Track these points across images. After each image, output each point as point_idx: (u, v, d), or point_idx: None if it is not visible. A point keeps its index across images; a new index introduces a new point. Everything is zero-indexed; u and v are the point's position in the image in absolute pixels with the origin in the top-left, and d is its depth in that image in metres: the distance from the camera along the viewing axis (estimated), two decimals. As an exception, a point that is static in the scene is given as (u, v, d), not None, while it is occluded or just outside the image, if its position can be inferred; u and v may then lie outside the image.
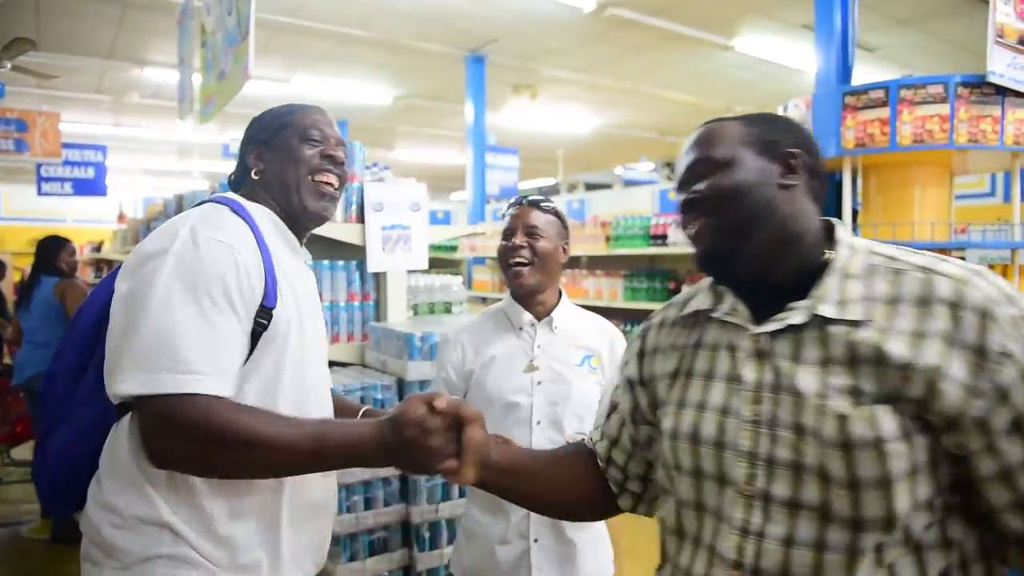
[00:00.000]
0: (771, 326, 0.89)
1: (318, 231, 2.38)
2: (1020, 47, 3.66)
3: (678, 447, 0.95)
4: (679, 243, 4.85)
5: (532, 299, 1.69)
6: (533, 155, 12.38)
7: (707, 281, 1.03)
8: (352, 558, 2.15)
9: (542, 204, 1.72)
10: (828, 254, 0.91)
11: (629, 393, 1.10)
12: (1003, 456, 0.78)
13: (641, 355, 1.09)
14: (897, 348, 0.80)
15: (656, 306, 5.15)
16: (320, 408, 1.30)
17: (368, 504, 2.17)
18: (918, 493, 0.80)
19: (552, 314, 1.70)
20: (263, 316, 1.16)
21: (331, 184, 1.34)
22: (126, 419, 1.14)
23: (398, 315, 2.63)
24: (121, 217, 14.52)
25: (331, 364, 2.52)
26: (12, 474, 5.13)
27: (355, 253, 2.56)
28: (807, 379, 0.84)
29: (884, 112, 3.65)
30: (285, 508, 1.21)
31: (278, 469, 1.12)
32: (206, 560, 1.12)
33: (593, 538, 1.66)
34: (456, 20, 6.82)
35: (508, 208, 1.75)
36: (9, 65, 5.67)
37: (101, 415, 1.21)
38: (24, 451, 5.45)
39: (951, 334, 0.79)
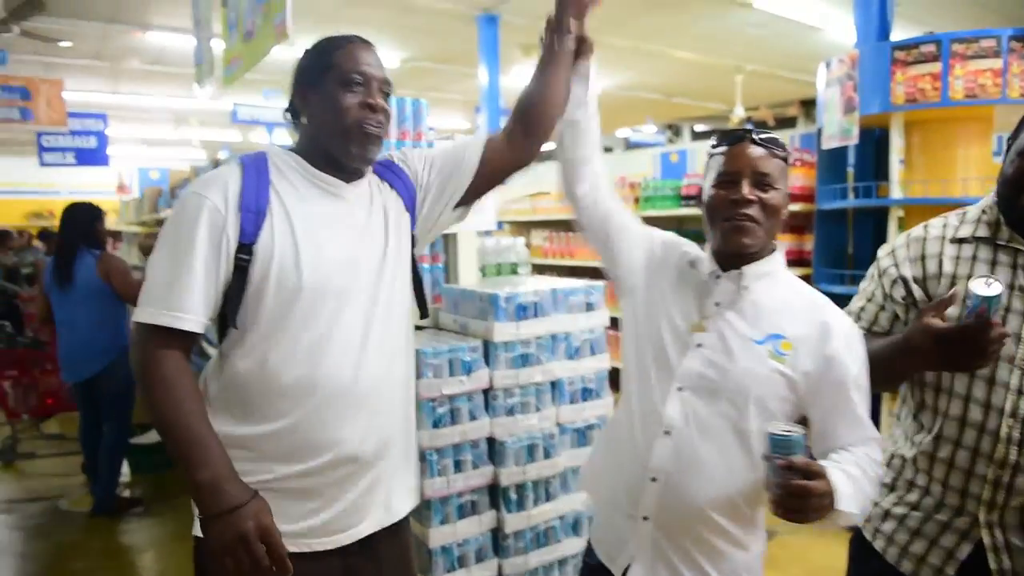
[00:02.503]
0: None
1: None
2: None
3: None
4: (711, 204, 4.80)
5: (740, 260, 1.36)
6: (538, 119, 12.23)
7: (974, 214, 1.43)
8: (443, 521, 2.14)
9: (772, 142, 1.35)
10: None
11: (903, 288, 1.43)
12: None
13: (922, 258, 1.42)
14: None
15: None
16: (344, 358, 1.32)
17: (458, 467, 2.15)
18: None
19: (743, 268, 1.35)
20: (243, 252, 1.27)
21: (373, 128, 1.36)
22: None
23: (469, 277, 2.59)
24: (121, 187, 14.35)
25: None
26: (44, 447, 5.10)
27: (425, 214, 2.50)
28: None
29: (935, 67, 3.59)
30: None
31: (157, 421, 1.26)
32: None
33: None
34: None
35: (721, 143, 1.39)
36: (18, 30, 5.50)
37: None
38: (54, 425, 5.42)
39: None
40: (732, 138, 1.37)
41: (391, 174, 1.51)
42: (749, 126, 1.44)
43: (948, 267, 1.40)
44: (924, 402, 1.44)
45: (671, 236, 1.55)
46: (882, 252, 1.55)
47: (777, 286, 1.38)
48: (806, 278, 4.17)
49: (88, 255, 3.82)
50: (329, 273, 1.31)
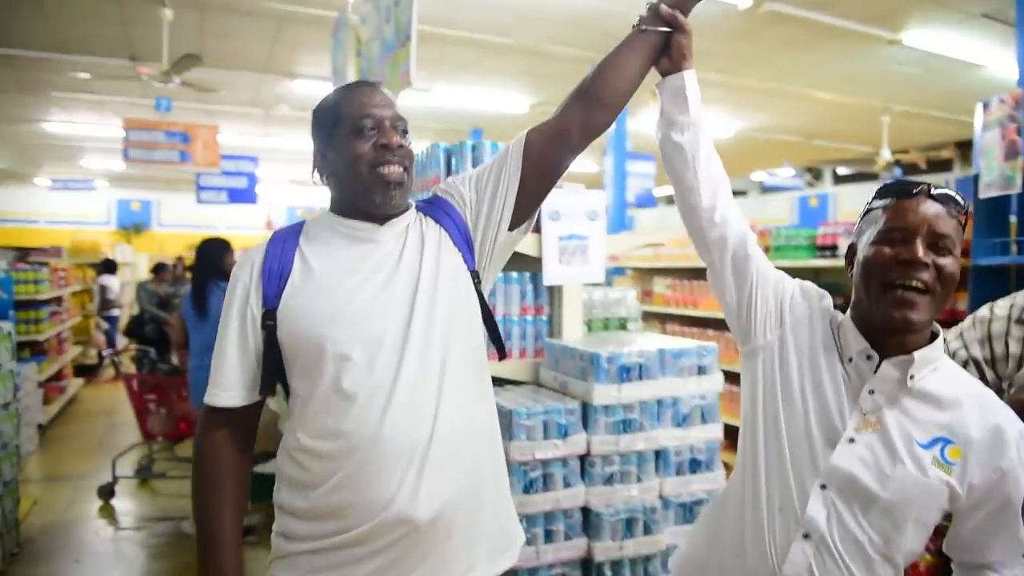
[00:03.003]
0: None
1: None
2: None
3: None
4: (850, 254, 4.44)
5: (898, 338, 1.16)
6: (667, 161, 12.00)
7: None
8: (531, 594, 2.00)
9: (952, 200, 1.16)
10: None
11: (976, 370, 1.36)
12: None
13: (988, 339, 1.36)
14: None
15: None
16: (369, 408, 1.21)
17: (548, 537, 2.01)
18: None
19: (914, 354, 1.13)
20: (269, 318, 1.28)
21: (393, 172, 1.30)
22: None
23: (573, 331, 2.47)
24: (269, 224, 15.40)
25: (504, 382, 2.41)
26: (176, 468, 5.38)
27: (529, 264, 2.42)
28: None
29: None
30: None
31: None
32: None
33: None
34: (601, 22, 6.63)
35: (888, 195, 1.19)
36: (178, 81, 6.01)
37: None
38: (187, 448, 5.74)
39: None
40: (903, 191, 1.17)
41: (435, 209, 1.40)
42: (920, 180, 1.19)
43: (1014, 348, 1.37)
44: None
45: (809, 285, 1.32)
46: (950, 335, 1.47)
47: (943, 378, 1.17)
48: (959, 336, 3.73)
49: (218, 287, 4.04)
50: (353, 321, 1.24)
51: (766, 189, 15.86)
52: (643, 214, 16.33)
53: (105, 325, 10.34)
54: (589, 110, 1.37)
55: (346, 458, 1.21)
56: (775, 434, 1.21)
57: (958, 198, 1.17)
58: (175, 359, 6.54)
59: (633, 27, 1.41)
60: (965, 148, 11.64)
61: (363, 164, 1.28)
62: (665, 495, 2.13)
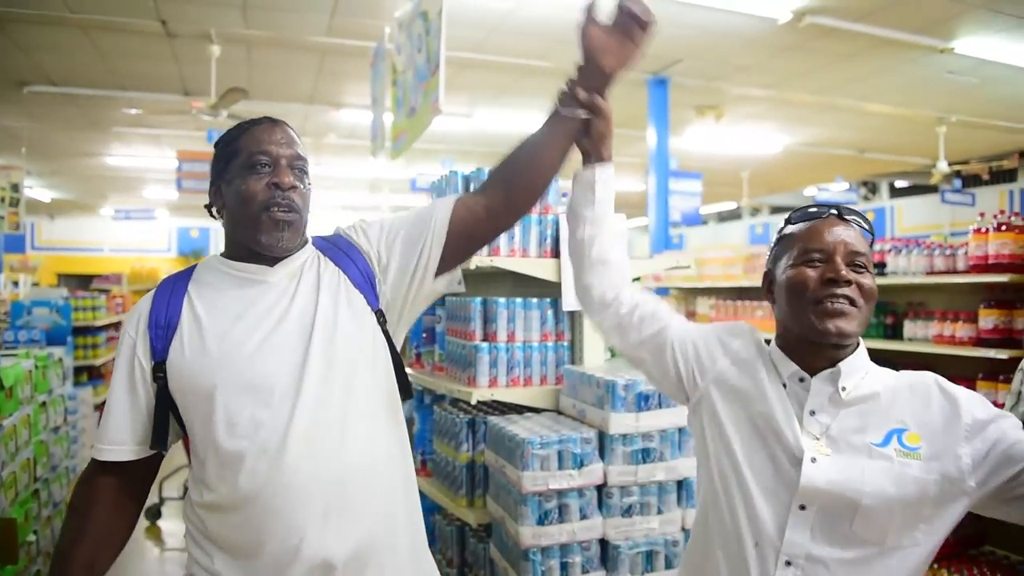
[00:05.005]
0: None
1: (510, 268, 2.24)
2: None
3: None
4: (899, 272, 4.27)
5: (830, 353, 1.19)
6: (716, 178, 11.82)
7: None
8: (548, 631, 1.94)
9: (858, 220, 1.23)
10: None
11: None
12: None
13: None
14: None
15: (872, 343, 4.48)
16: (261, 456, 1.19)
17: (564, 570, 1.96)
18: None
19: (839, 365, 1.17)
20: (159, 370, 1.26)
21: (284, 212, 1.27)
22: None
23: (595, 358, 2.42)
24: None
25: (525, 409, 2.38)
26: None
27: (550, 290, 2.39)
28: None
29: None
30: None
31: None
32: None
33: None
34: (640, 43, 6.61)
35: (802, 219, 1.25)
36: (225, 113, 6.20)
37: None
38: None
39: None
40: (816, 214, 1.24)
41: (335, 251, 1.37)
42: (833, 201, 1.26)
43: None
44: None
45: (735, 324, 1.36)
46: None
47: (873, 380, 1.19)
48: (1015, 360, 3.54)
49: None
50: (242, 368, 1.22)
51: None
52: (692, 232, 16.13)
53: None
54: (513, 196, 1.39)
55: (248, 508, 1.19)
56: (735, 473, 1.20)
57: (864, 220, 1.24)
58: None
59: (553, 107, 1.39)
60: (1031, 158, 11.16)
61: (254, 203, 1.26)
62: (687, 527, 2.06)
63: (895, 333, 4.44)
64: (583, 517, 1.97)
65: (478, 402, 2.30)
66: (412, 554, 1.33)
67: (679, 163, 9.41)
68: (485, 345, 2.32)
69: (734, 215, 18.39)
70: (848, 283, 1.15)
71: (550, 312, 2.41)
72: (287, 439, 1.19)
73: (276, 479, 1.18)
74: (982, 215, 3.98)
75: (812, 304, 1.16)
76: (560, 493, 1.96)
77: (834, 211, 1.23)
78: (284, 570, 1.18)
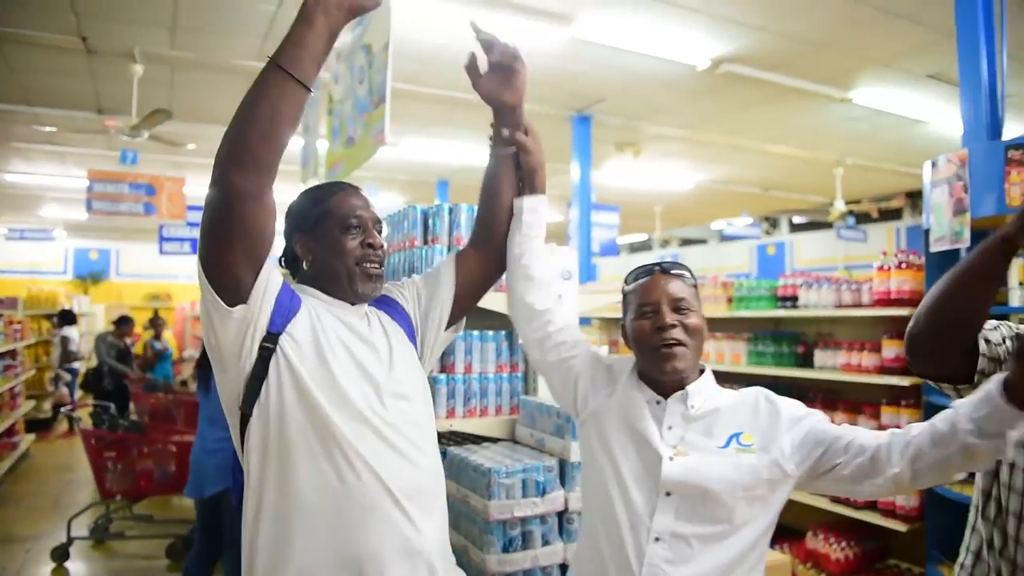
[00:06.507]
0: None
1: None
2: None
3: None
4: (810, 305, 4.58)
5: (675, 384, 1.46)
6: (631, 211, 12.25)
7: None
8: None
9: (680, 272, 1.50)
10: None
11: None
12: None
13: None
14: None
15: (784, 371, 4.75)
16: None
17: None
18: None
19: (688, 388, 1.44)
20: (269, 341, 1.34)
21: (376, 267, 1.48)
22: None
23: (547, 388, 2.50)
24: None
25: (482, 439, 2.43)
26: (133, 528, 5.23)
27: (505, 323, 2.46)
28: None
29: (1055, 168, 3.35)
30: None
31: None
32: None
33: None
34: (568, 83, 6.84)
35: (635, 279, 1.52)
36: (147, 134, 6.01)
37: None
38: (145, 507, 5.58)
39: None
40: (645, 272, 1.51)
41: (386, 307, 1.59)
42: (661, 257, 1.55)
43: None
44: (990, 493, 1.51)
45: (619, 357, 1.61)
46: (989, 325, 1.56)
47: (718, 399, 1.46)
48: (915, 388, 3.87)
49: None
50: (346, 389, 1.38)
51: (725, 238, 16.25)
52: (605, 263, 16.60)
53: (68, 377, 10.08)
54: (497, 236, 1.66)
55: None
56: (615, 474, 1.44)
57: (686, 270, 1.51)
58: (132, 415, 6.40)
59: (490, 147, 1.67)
60: (915, 198, 12.13)
61: (350, 258, 1.46)
62: (642, 551, 2.15)
63: (806, 362, 4.73)
64: (545, 543, 2.04)
65: (437, 432, 2.33)
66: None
67: (597, 196, 9.73)
68: (443, 377, 2.36)
69: (645, 246, 19.03)
70: (674, 326, 1.41)
71: (505, 344, 2.48)
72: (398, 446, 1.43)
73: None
74: (884, 253, 4.33)
75: (651, 351, 1.43)
76: (524, 520, 2.02)
77: (659, 268, 1.50)
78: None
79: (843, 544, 4.13)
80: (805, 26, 5.66)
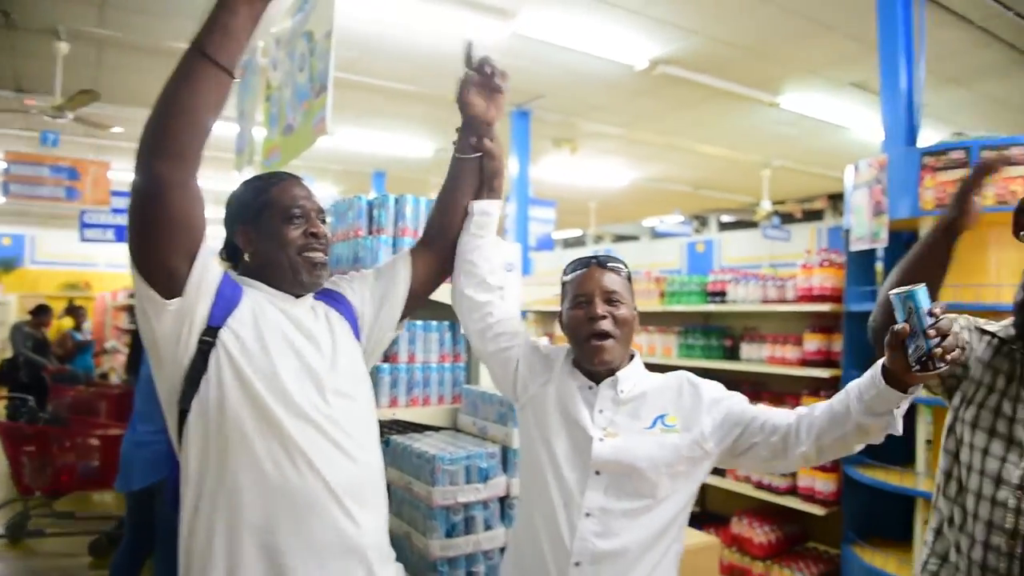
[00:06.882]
0: None
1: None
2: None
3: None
4: (737, 300, 4.77)
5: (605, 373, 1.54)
6: (567, 207, 12.41)
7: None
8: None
9: (615, 265, 1.58)
10: None
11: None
12: None
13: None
14: None
15: (712, 364, 4.91)
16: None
17: None
18: None
19: (618, 375, 1.53)
20: (209, 335, 1.32)
21: (320, 255, 1.48)
22: None
23: (488, 378, 2.55)
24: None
25: (425, 428, 2.46)
26: (54, 525, 5.03)
27: (448, 313, 2.49)
28: None
29: (964, 173, 3.58)
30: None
31: None
32: None
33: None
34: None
35: (573, 270, 1.60)
36: (72, 116, 5.77)
37: None
38: (67, 503, 5.37)
39: None
40: (581, 264, 1.58)
41: (332, 300, 1.59)
42: (595, 251, 1.69)
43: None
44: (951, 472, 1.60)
45: (556, 346, 1.69)
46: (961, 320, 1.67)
47: (645, 384, 1.56)
48: (834, 379, 4.08)
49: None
50: (287, 385, 1.37)
51: (657, 235, 16.61)
52: (540, 257, 16.76)
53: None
54: (452, 236, 1.70)
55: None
56: (550, 456, 1.53)
57: (620, 263, 1.58)
58: (50, 408, 6.14)
59: (453, 151, 1.71)
60: (836, 200, 12.69)
61: (292, 248, 1.45)
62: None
63: (733, 355, 4.92)
64: (487, 528, 2.09)
65: (379, 421, 2.36)
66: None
67: (534, 191, 9.84)
68: (387, 366, 2.38)
69: (579, 242, 19.29)
70: (604, 317, 1.49)
71: (448, 334, 2.51)
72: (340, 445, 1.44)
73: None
74: (808, 252, 4.55)
75: (583, 341, 1.51)
76: (467, 506, 2.06)
77: (595, 260, 1.57)
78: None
79: (766, 528, 4.33)
80: (738, 32, 5.87)
